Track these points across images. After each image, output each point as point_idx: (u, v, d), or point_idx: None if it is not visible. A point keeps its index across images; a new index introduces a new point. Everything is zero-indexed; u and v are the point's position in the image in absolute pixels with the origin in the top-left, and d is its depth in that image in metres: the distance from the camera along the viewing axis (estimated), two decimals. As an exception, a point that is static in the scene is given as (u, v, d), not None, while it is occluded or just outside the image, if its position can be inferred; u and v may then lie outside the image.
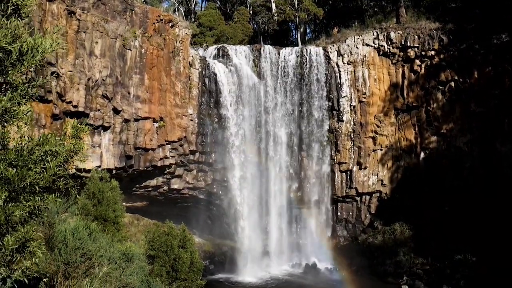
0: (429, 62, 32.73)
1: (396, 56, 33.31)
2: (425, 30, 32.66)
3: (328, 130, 33.47)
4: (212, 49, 34.02)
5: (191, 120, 30.36)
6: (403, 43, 32.83)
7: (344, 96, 33.21)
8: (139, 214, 31.64)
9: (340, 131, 33.27)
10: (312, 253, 33.02)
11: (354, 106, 33.35)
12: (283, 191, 33.28)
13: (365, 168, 33.42)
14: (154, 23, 28.86)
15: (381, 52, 33.48)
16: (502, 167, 30.10)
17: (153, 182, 30.56)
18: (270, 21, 44.76)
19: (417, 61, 32.89)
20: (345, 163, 33.39)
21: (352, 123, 33.38)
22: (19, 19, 4.76)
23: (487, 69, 31.27)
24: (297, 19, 41.85)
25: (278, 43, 40.80)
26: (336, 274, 30.39)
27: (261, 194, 32.83)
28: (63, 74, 24.13)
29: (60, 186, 5.12)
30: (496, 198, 28.51)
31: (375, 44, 33.44)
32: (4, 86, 5.02)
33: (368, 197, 34.14)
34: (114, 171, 26.59)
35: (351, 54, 33.25)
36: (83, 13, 25.29)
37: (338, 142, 33.29)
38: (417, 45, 32.62)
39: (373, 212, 34.13)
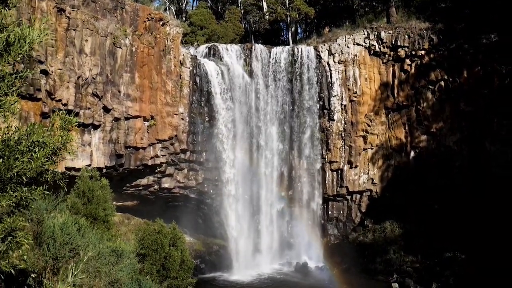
0: (419, 61, 32.95)
1: (387, 55, 33.48)
2: (415, 30, 32.87)
3: (319, 129, 33.55)
4: (203, 48, 33.96)
5: (182, 119, 30.27)
6: (393, 42, 33.01)
7: (335, 95, 33.32)
8: (129, 214, 31.51)
9: (331, 130, 33.37)
10: (303, 252, 33.11)
11: (345, 105, 33.47)
12: (274, 190, 33.32)
13: (356, 167, 33.56)
14: (144, 21, 28.73)
15: (372, 52, 33.63)
16: (491, 167, 30.39)
17: (143, 181, 30.43)
18: (262, 20, 44.80)
19: (408, 61, 33.09)
20: (336, 162, 33.50)
21: (343, 122, 33.49)
22: (6, 8, 4.70)
23: (477, 69, 31.53)
24: (288, 19, 41.90)
25: (269, 42, 40.83)
26: (327, 272, 30.49)
27: (252, 193, 32.84)
28: (52, 72, 23.92)
29: (48, 179, 5.07)
30: (485, 197, 28.78)
31: (366, 43, 33.59)
32: (-9, 77, 4.94)
33: (358, 196, 34.29)
34: (104, 170, 26.43)
35: (342, 53, 33.37)
36: (73, 10, 25.08)
37: (329, 141, 33.38)
38: (407, 45, 32.83)
39: (363, 210, 34.29)
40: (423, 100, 33.04)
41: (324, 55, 33.51)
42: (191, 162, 31.28)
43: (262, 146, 32.98)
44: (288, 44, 39.19)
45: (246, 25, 47.48)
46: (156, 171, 30.25)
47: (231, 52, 33.20)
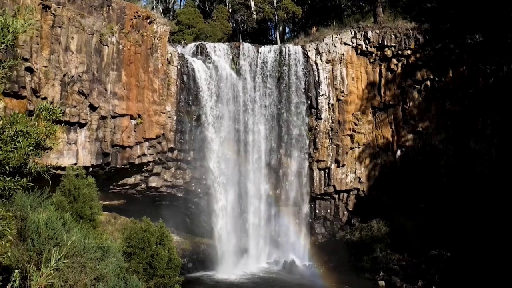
0: (405, 61, 33.24)
1: (374, 55, 33.71)
2: (402, 29, 33.16)
3: (306, 128, 33.64)
4: (191, 46, 33.82)
5: (169, 117, 30.13)
6: (380, 42, 33.24)
7: (323, 94, 33.44)
8: (116, 213, 31.27)
9: (318, 129, 33.49)
10: (290, 251, 33.18)
11: (332, 104, 33.61)
12: (262, 188, 33.33)
13: (343, 165, 33.73)
14: (131, 19, 28.54)
15: (359, 51, 33.83)
16: (475, 165, 30.79)
17: (130, 180, 30.22)
18: (249, 19, 44.81)
19: (394, 60, 33.36)
20: (323, 160, 33.62)
21: (330, 121, 33.63)
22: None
23: (462, 69, 31.93)
24: (276, 18, 41.98)
25: (257, 42, 40.85)
26: (314, 271, 30.60)
27: (239, 192, 32.80)
28: (37, 69, 23.63)
29: (32, 170, 5.01)
30: (470, 195, 29.13)
31: (353, 43, 33.78)
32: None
33: (346, 194, 34.46)
34: (90, 169, 26.19)
35: (329, 52, 33.51)
36: (58, 7, 24.81)
37: (317, 140, 33.50)
38: (394, 45, 33.09)
39: (350, 209, 34.47)
40: (409, 100, 33.33)
41: (312, 54, 33.61)
42: (178, 161, 31.14)
43: (249, 144, 32.95)
44: (276, 44, 39.24)
45: (234, 24, 47.45)
46: (143, 170, 30.07)
47: (219, 51, 33.12)
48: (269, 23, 47.07)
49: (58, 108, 5.29)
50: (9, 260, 7.64)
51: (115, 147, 27.70)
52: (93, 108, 26.44)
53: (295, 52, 33.63)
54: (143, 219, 18.21)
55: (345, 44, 33.78)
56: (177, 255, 18.78)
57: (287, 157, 33.70)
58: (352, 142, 33.76)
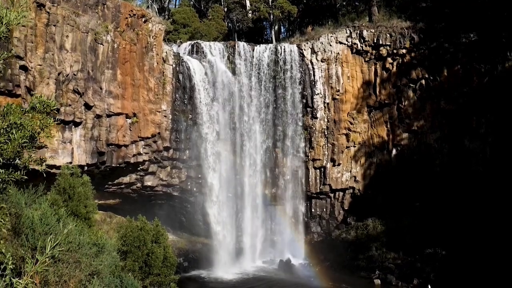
0: (400, 60, 33.34)
1: (369, 54, 33.79)
2: (397, 28, 33.27)
3: (302, 127, 33.69)
4: (186, 45, 33.79)
5: (165, 116, 30.07)
6: (375, 41, 33.33)
7: (318, 93, 33.49)
8: (111, 212, 31.18)
9: (314, 128, 33.53)
10: (286, 249, 33.21)
11: (327, 103, 33.66)
12: (258, 187, 33.33)
13: (339, 164, 33.78)
14: (126, 18, 28.46)
15: (354, 50, 33.91)
16: (470, 164, 30.90)
17: (126, 179, 30.14)
18: (245, 18, 44.78)
19: (389, 59, 33.45)
20: (319, 159, 33.67)
21: (325, 120, 33.68)
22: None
23: (456, 68, 32.04)
24: (272, 17, 42.00)
25: (253, 41, 40.85)
26: (310, 269, 30.63)
27: (235, 191, 32.79)
28: (32, 68, 23.53)
29: (26, 164, 4.99)
30: (464, 194, 29.23)
31: (348, 42, 33.85)
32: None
33: (341, 193, 34.52)
34: (85, 168, 26.09)
35: (325, 51, 33.56)
36: (53, 6, 24.70)
37: (312, 139, 33.55)
38: (389, 44, 33.19)
39: (346, 208, 34.53)
40: (404, 99, 33.43)
41: (307, 53, 33.66)
42: (174, 160, 31.09)
43: (245, 143, 32.95)
44: (272, 43, 39.26)
45: (229, 24, 47.40)
46: (139, 169, 30.00)
47: (214, 50, 33.10)
48: (264, 23, 47.08)
49: (53, 101, 5.26)
50: (3, 256, 7.58)
51: (110, 146, 27.61)
52: (88, 107, 26.35)
53: (291, 51, 33.66)
54: (138, 217, 18.17)
55: (341, 43, 33.84)
56: (172, 253, 18.76)
57: (283, 155, 33.73)
58: (348, 141, 33.83)
